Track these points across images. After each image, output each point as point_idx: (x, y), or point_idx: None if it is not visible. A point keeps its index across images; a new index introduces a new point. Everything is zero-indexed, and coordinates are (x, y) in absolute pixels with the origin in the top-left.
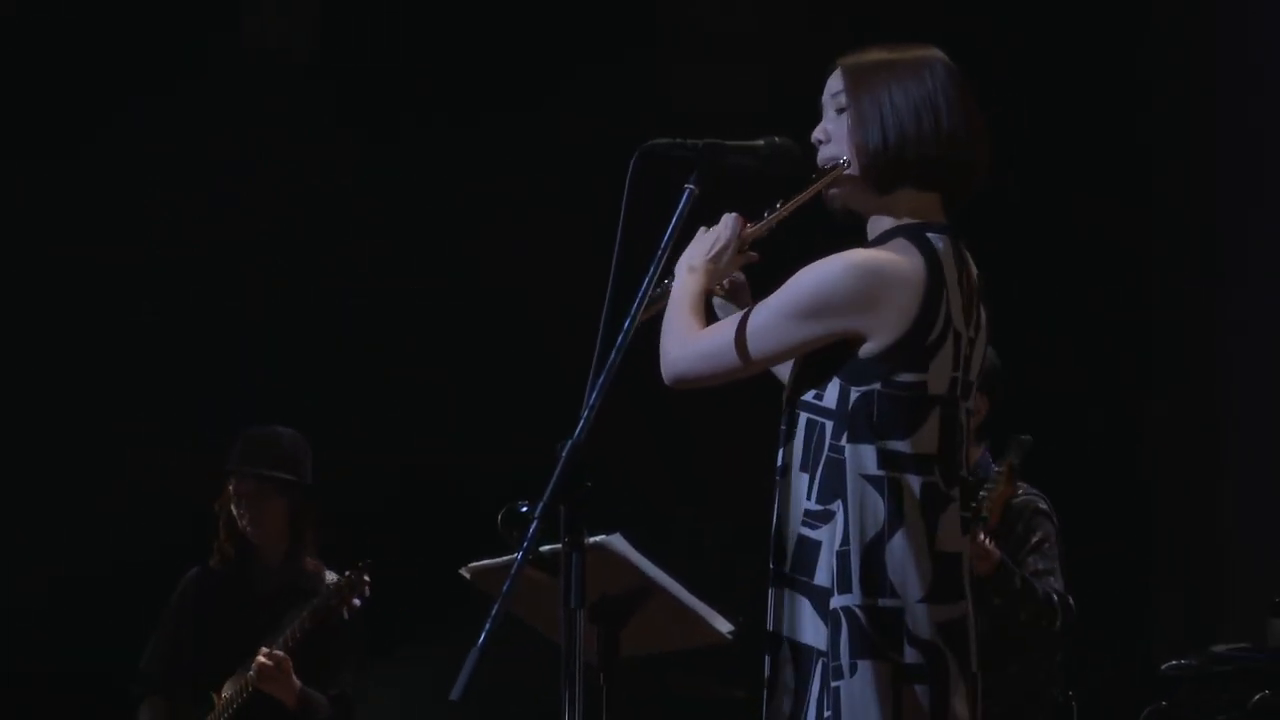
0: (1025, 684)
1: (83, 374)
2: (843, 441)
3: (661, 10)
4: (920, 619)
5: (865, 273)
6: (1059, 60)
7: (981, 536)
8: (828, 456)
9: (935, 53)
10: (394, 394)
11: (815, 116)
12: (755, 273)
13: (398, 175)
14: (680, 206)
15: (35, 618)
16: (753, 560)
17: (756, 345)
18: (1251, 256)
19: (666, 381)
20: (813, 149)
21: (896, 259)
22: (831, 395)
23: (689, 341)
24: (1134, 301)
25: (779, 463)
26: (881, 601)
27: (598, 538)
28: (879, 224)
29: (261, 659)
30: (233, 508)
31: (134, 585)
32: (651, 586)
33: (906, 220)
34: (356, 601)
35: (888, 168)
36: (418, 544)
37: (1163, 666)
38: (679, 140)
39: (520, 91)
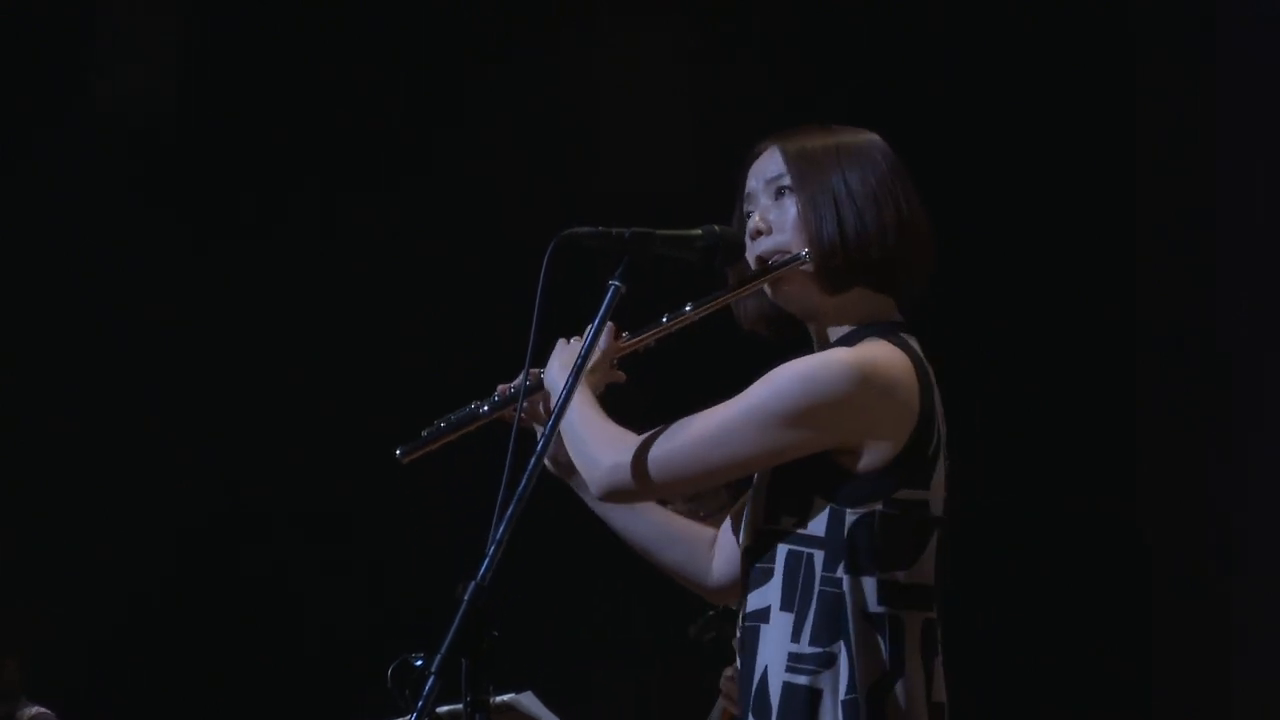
0: None
1: None
2: (839, 573)
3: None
4: None
5: (861, 374)
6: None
7: None
8: (821, 592)
9: (875, 136)
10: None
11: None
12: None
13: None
14: (604, 307)
15: None
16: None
17: (727, 451)
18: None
19: (598, 493)
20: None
21: (892, 359)
22: (819, 520)
23: (626, 446)
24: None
25: (750, 606)
26: None
27: (505, 696)
28: (835, 330)
29: None
30: None
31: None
32: None
33: (866, 322)
34: None
35: (846, 264)
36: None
37: None
38: (602, 229)
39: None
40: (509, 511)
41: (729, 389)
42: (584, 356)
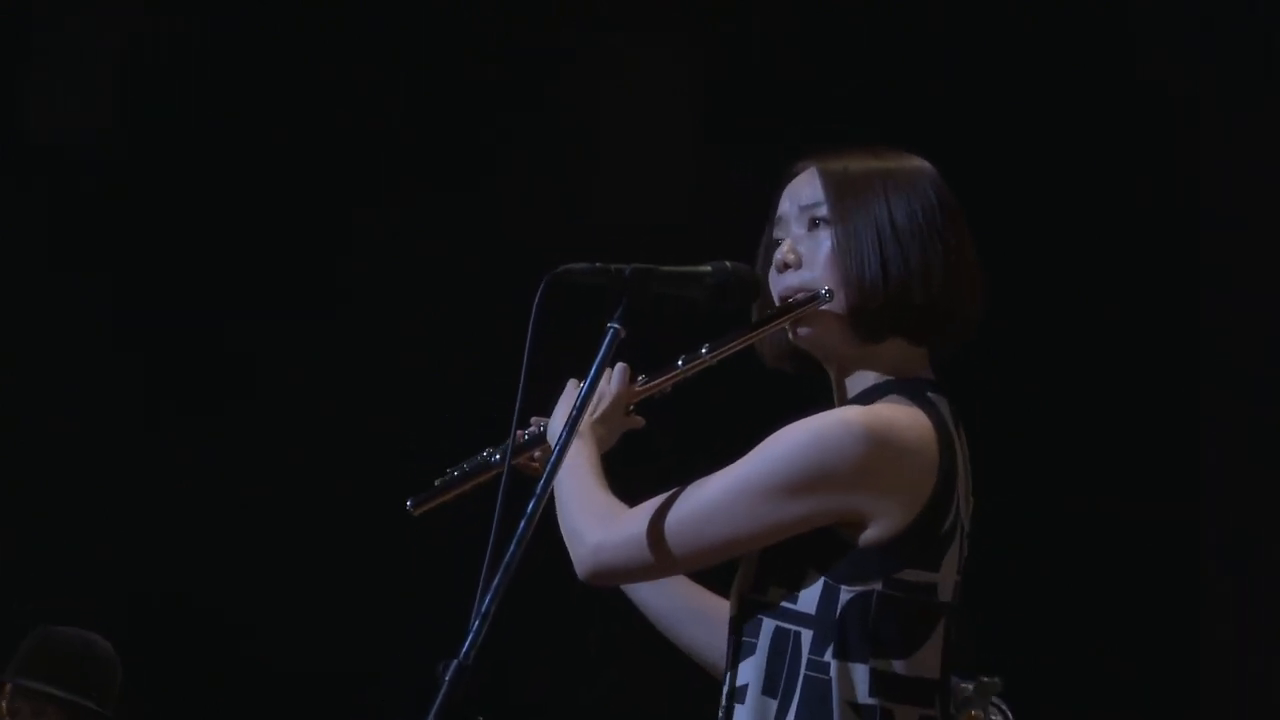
0: None
1: None
2: (827, 657)
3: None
4: None
5: (873, 437)
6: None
7: None
8: (807, 677)
9: (926, 164)
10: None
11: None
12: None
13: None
14: (602, 353)
15: None
16: None
17: (724, 527)
18: None
19: (583, 574)
20: None
21: (906, 422)
22: (811, 596)
23: (615, 523)
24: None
25: (729, 684)
26: None
27: None
28: (860, 379)
29: None
30: None
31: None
32: None
33: (895, 376)
34: None
35: (884, 310)
36: (294, 701)
37: None
38: (599, 265)
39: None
40: (494, 583)
41: (754, 429)
42: (579, 409)
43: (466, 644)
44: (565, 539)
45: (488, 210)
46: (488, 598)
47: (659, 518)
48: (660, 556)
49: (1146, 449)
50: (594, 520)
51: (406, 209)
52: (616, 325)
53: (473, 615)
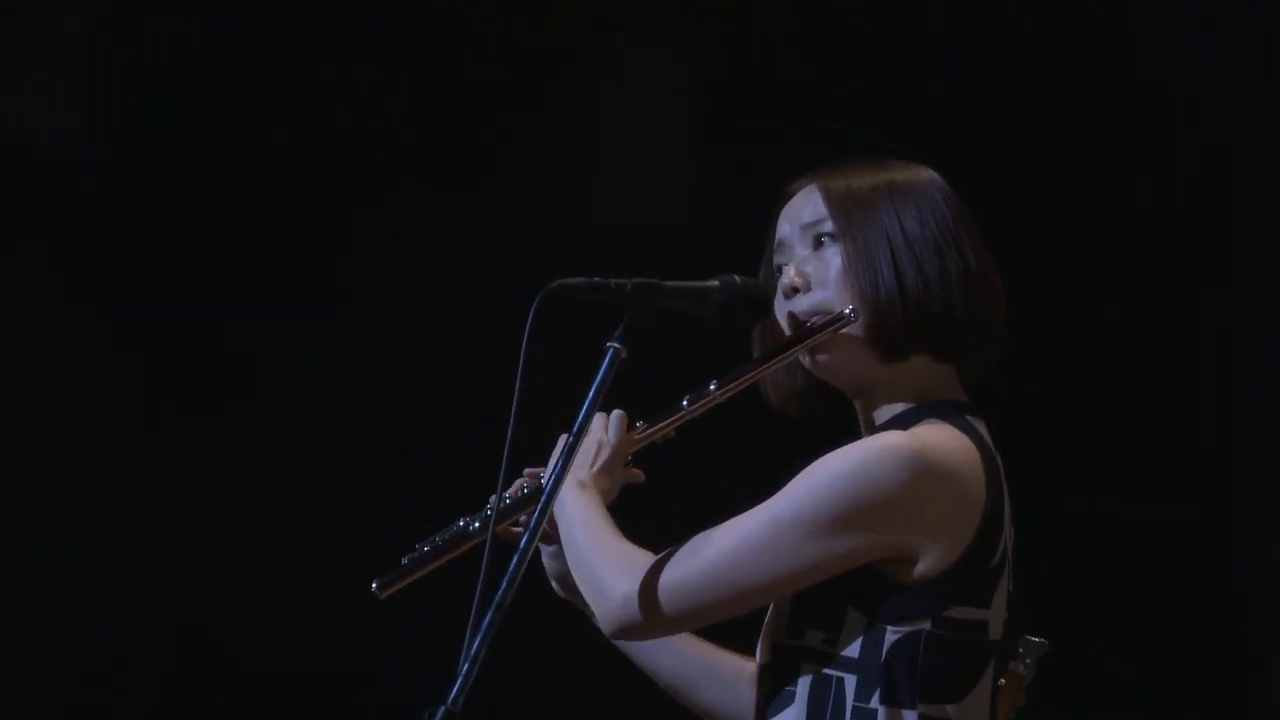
0: None
1: None
2: (874, 704)
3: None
4: None
5: (918, 463)
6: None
7: None
8: None
9: (933, 173)
10: None
11: None
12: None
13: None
14: (600, 374)
15: None
16: None
17: (763, 569)
18: None
19: (611, 630)
20: None
21: (951, 446)
22: (853, 638)
23: (643, 572)
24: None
25: None
26: None
27: None
28: (889, 408)
29: None
30: None
31: None
32: None
33: (926, 400)
34: None
35: (906, 324)
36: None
37: None
38: (599, 280)
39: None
40: (485, 623)
41: (765, 473)
42: (576, 435)
43: (454, 690)
44: (587, 596)
45: (488, 210)
46: (477, 640)
47: (690, 563)
48: (694, 605)
49: (1146, 449)
50: (619, 572)
51: (406, 209)
52: (617, 345)
53: (461, 660)
